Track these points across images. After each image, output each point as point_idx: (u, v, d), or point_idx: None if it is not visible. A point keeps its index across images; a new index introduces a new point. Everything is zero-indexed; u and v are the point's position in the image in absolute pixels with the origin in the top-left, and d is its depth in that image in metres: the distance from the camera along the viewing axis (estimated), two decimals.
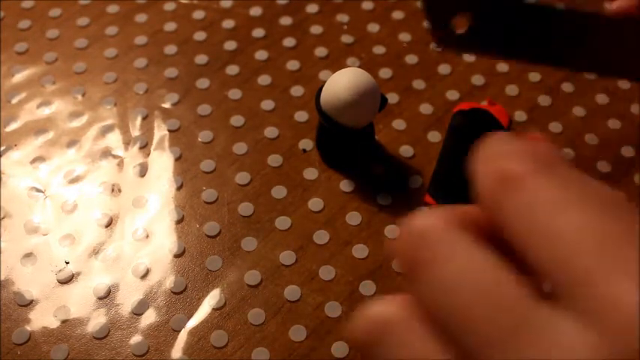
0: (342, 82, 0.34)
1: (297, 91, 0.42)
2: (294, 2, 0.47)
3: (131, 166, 0.39)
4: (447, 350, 0.15)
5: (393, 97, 0.42)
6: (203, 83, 0.42)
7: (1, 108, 0.41)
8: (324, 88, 0.36)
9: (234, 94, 0.42)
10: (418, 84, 0.43)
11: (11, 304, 0.33)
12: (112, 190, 0.38)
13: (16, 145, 0.39)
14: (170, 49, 0.44)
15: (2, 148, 0.39)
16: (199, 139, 0.40)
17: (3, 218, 0.36)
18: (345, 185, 0.38)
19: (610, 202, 0.15)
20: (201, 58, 0.44)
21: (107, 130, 0.40)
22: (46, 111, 0.41)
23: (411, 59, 0.44)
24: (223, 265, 0.35)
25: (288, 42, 0.45)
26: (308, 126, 0.41)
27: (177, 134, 0.40)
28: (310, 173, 0.38)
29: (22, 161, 0.39)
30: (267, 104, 0.42)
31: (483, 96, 0.42)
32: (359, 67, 0.42)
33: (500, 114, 0.40)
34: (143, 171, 0.38)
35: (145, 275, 0.34)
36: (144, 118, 0.41)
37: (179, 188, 0.38)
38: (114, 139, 0.40)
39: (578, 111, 0.42)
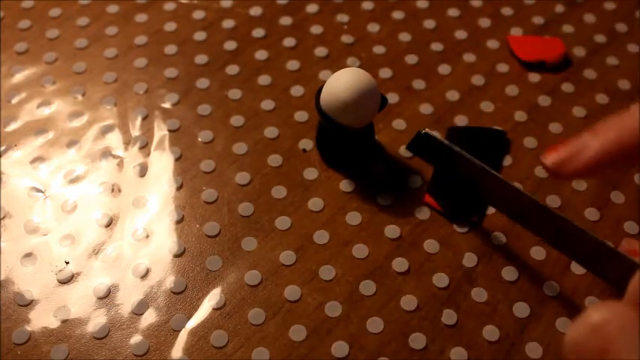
0: (342, 82, 0.34)
1: (297, 91, 0.42)
2: (294, 2, 0.47)
3: (131, 166, 0.39)
4: None
5: (393, 97, 0.42)
6: (203, 83, 0.42)
7: (1, 108, 0.41)
8: (324, 88, 0.36)
9: (234, 94, 0.42)
10: (418, 84, 0.43)
11: (11, 304, 0.33)
12: (112, 190, 0.38)
13: (16, 145, 0.39)
14: (170, 49, 0.44)
15: (2, 148, 0.39)
16: (199, 139, 0.40)
17: (3, 218, 0.36)
18: (345, 185, 0.38)
19: None
20: (201, 58, 0.44)
21: (107, 130, 0.40)
22: (46, 111, 0.41)
23: (411, 59, 0.44)
24: (223, 265, 0.35)
25: (288, 42, 0.45)
26: (308, 126, 0.41)
27: (177, 134, 0.40)
28: (310, 173, 0.38)
29: (22, 161, 0.39)
30: (267, 104, 0.42)
31: (483, 96, 0.42)
32: (359, 67, 0.42)
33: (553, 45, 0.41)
34: (143, 171, 0.38)
35: (145, 275, 0.34)
36: (144, 118, 0.41)
37: (179, 188, 0.38)
38: (114, 139, 0.40)
39: (578, 111, 0.42)
